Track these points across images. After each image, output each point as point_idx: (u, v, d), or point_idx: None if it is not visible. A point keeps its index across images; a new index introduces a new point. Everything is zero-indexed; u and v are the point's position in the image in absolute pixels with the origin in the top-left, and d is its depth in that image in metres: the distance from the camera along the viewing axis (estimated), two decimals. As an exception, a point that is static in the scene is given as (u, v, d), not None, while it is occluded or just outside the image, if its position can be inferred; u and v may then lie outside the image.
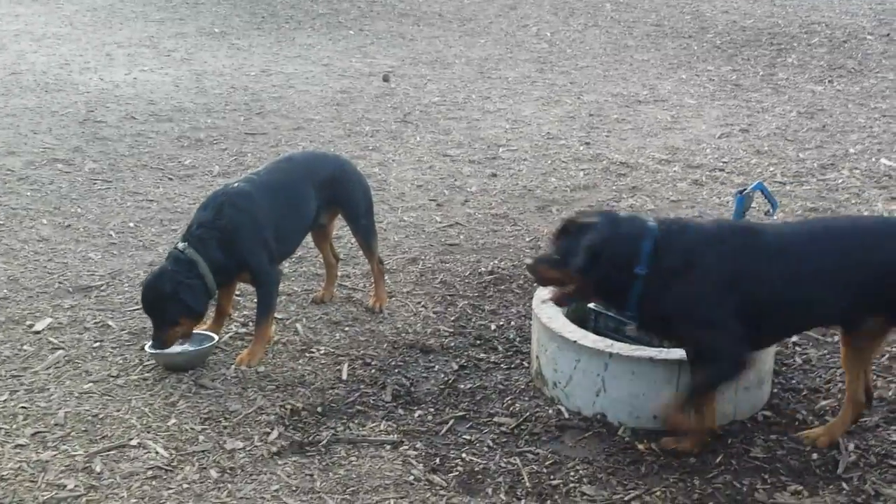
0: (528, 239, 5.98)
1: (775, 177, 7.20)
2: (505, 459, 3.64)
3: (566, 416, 3.95)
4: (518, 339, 4.65)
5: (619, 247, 3.50)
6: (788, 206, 6.52)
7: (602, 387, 3.83)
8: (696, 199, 6.75)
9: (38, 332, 4.64)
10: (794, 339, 4.60)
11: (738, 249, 3.51)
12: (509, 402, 4.08)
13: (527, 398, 4.11)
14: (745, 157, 7.72)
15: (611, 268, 3.49)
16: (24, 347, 4.49)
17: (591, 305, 4.33)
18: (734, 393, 3.83)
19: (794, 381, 4.25)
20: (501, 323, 4.83)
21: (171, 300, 4.18)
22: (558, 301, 3.77)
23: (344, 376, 4.27)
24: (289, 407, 3.97)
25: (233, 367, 4.31)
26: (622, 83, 10.52)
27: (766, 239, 3.56)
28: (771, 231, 3.66)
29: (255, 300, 4.53)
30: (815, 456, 3.68)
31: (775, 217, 5.97)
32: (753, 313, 3.48)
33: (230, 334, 4.65)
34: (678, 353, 3.77)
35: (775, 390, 4.15)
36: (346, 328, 4.76)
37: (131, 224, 6.15)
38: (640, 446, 3.71)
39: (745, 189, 4.32)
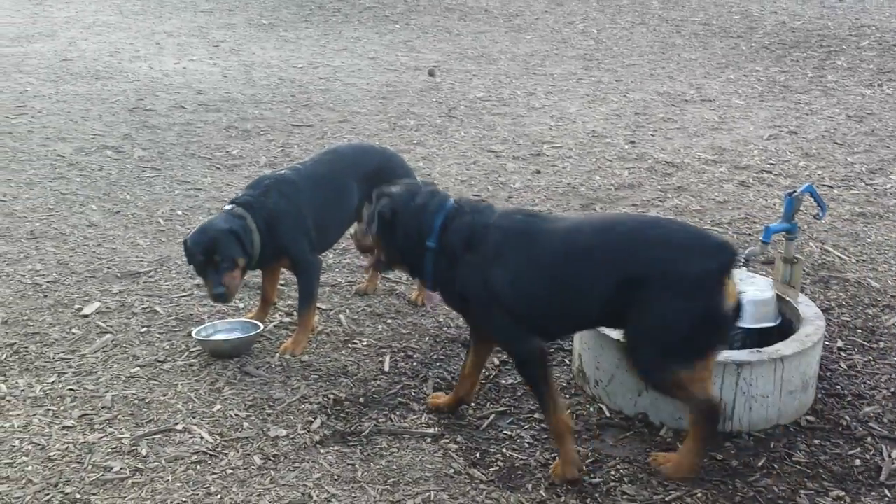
0: (571, 236, 5.96)
1: (823, 180, 7.12)
2: (545, 456, 3.64)
3: (607, 414, 3.94)
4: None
5: (410, 217, 3.57)
6: (836, 211, 6.44)
7: (645, 387, 3.82)
8: (743, 200, 6.69)
9: (86, 316, 4.72)
10: (840, 343, 4.57)
11: (509, 237, 3.46)
12: (550, 398, 4.07)
13: (568, 395, 4.11)
14: (793, 160, 7.65)
15: (403, 237, 3.59)
16: (73, 331, 4.57)
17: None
18: (778, 397, 3.80)
19: (838, 387, 4.20)
20: (543, 320, 4.82)
21: (228, 236, 4.18)
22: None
23: (386, 368, 4.30)
24: (332, 396, 4.01)
25: (277, 355, 4.36)
26: (669, 82, 10.45)
27: (541, 232, 3.47)
28: (550, 224, 3.52)
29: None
30: (857, 462, 3.65)
31: (824, 220, 5.93)
32: (516, 305, 3.44)
33: (274, 323, 4.70)
34: (723, 355, 3.74)
35: (819, 395, 4.11)
36: (389, 320, 4.78)
37: (179, 212, 6.23)
38: (682, 447, 3.69)
39: (794, 191, 4.27)
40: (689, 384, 3.32)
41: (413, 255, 3.61)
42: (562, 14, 14.84)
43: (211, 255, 4.18)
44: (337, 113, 8.92)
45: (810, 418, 3.95)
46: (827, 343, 4.52)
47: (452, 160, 7.56)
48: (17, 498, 3.32)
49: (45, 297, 4.93)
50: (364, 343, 4.52)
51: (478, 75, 10.70)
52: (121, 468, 3.50)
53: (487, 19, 14.36)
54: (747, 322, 4.10)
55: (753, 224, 6.21)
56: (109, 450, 3.62)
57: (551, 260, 3.41)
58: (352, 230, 3.91)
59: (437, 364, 4.36)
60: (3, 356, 4.29)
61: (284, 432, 3.74)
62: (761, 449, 3.72)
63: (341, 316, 4.79)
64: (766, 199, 6.70)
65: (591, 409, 3.99)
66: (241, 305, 4.88)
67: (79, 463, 3.53)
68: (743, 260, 4.30)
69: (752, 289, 4.20)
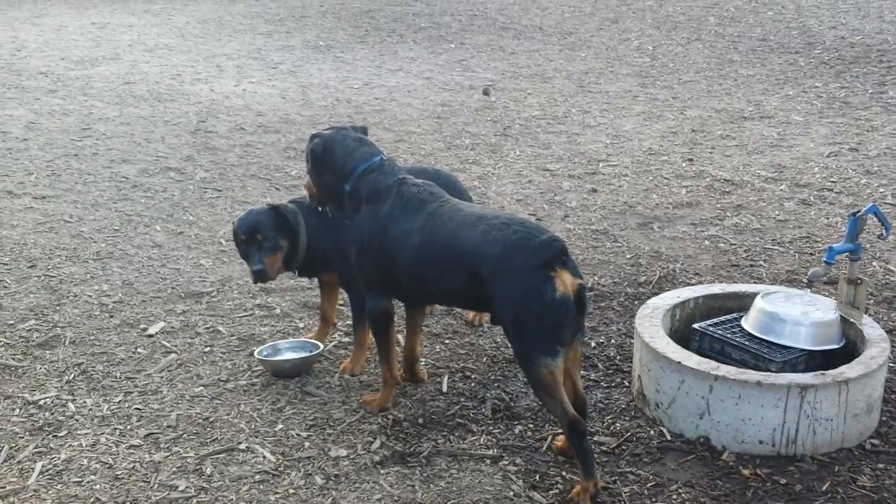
0: (628, 256, 5.94)
1: (885, 198, 6.99)
2: (605, 479, 3.62)
3: (668, 437, 3.91)
4: (619, 357, 4.63)
5: (333, 159, 3.93)
6: (900, 229, 6.32)
7: (706, 409, 3.79)
8: (804, 219, 6.61)
9: (151, 336, 4.82)
10: (906, 366, 4.49)
11: (403, 206, 3.77)
12: (609, 421, 4.06)
13: (627, 418, 4.08)
14: (855, 177, 7.53)
15: (328, 176, 3.96)
16: (139, 350, 4.67)
17: (696, 326, 4.29)
18: (842, 420, 3.75)
19: (905, 411, 4.13)
20: (602, 340, 4.81)
21: (273, 218, 4.31)
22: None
23: (444, 389, 4.32)
24: (391, 417, 4.04)
25: (337, 375, 4.41)
26: (726, 98, 10.36)
27: (424, 211, 3.73)
28: (435, 207, 3.74)
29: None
30: (927, 489, 3.57)
31: (888, 240, 5.81)
32: (387, 265, 3.81)
33: (334, 343, 4.76)
34: (787, 378, 3.71)
35: (884, 418, 4.04)
36: (447, 341, 4.81)
37: (239, 232, 6.32)
38: (745, 472, 3.65)
39: (858, 211, 4.21)
40: (555, 387, 3.39)
41: (336, 194, 3.98)
42: (616, 31, 14.81)
43: (254, 234, 4.31)
44: (393, 133, 8.99)
45: (875, 441, 3.88)
46: (892, 365, 4.44)
47: (508, 179, 7.58)
48: (87, 515, 3.40)
49: (112, 317, 5.04)
50: (422, 363, 4.54)
51: (532, 94, 10.72)
52: (186, 487, 3.57)
53: (542, 38, 14.38)
54: (811, 344, 4.05)
55: (815, 243, 6.12)
56: (175, 469, 3.68)
57: (420, 240, 3.69)
58: (306, 181, 4.23)
59: (495, 385, 4.36)
60: (72, 375, 4.40)
61: (345, 452, 3.78)
62: (825, 473, 3.66)
63: (399, 336, 4.82)
64: (828, 218, 6.61)
65: (652, 431, 3.96)
66: (301, 325, 4.95)
67: (145, 482, 3.60)
68: (806, 281, 4.25)
69: (816, 310, 4.14)
